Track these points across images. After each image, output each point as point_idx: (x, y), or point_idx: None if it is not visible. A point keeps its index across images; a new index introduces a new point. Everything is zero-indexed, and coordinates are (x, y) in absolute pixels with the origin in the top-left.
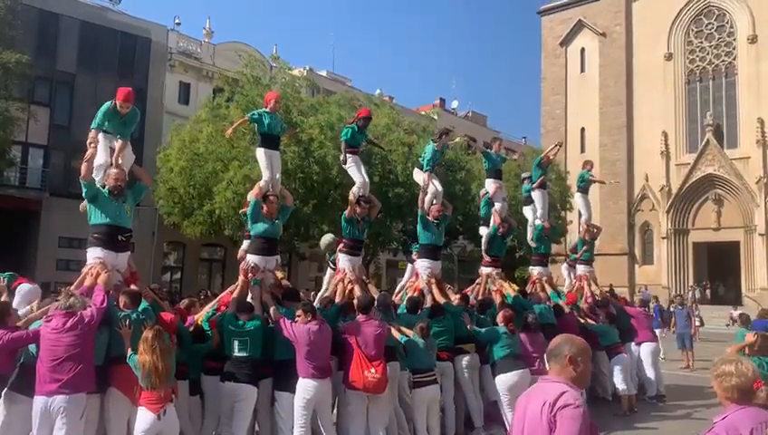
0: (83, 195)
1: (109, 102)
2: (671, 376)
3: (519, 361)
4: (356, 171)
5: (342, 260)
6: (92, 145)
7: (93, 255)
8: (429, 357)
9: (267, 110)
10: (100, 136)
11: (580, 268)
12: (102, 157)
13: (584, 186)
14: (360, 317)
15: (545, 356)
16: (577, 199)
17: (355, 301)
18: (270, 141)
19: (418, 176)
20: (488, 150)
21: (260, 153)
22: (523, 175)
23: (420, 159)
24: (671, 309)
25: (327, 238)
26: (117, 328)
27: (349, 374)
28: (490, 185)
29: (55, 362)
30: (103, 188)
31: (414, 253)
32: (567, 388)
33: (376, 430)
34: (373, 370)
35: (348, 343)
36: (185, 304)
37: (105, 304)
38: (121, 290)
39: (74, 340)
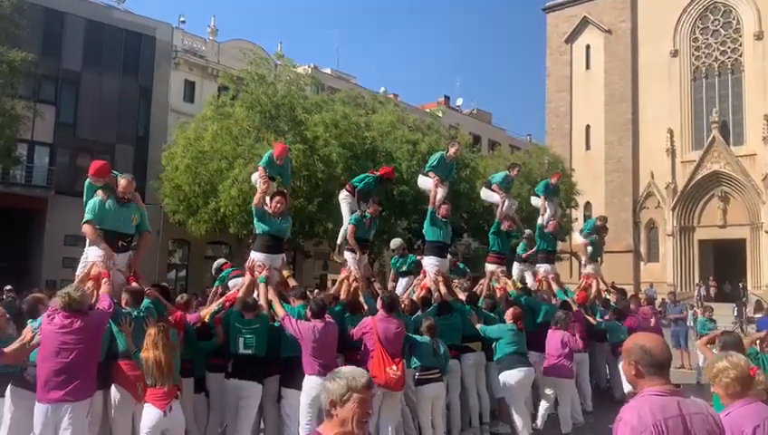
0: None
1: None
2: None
3: (524, 358)
4: (347, 212)
5: (348, 259)
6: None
7: (95, 253)
8: (434, 355)
9: (277, 163)
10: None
11: (588, 267)
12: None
13: (589, 231)
14: (382, 314)
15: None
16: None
17: (379, 299)
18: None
19: (423, 181)
20: (508, 175)
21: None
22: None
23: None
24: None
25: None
26: (118, 325)
27: (368, 371)
28: (492, 196)
29: (61, 366)
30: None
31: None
32: None
33: (386, 427)
34: (395, 367)
35: (367, 339)
36: (184, 298)
37: (113, 309)
38: (124, 288)
39: (80, 343)
